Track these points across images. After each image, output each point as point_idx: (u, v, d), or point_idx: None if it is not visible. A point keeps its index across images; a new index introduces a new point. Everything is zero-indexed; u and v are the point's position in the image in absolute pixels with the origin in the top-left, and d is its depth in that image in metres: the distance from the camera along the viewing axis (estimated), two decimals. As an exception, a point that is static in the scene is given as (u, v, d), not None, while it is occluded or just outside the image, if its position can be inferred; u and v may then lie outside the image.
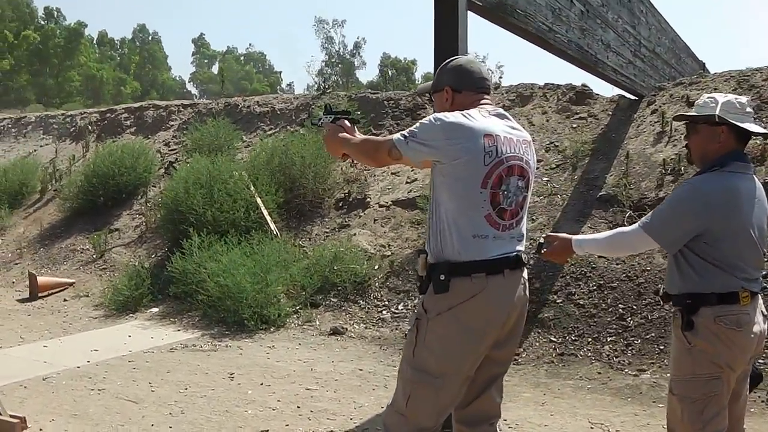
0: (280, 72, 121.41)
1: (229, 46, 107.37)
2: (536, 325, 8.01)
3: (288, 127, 14.03)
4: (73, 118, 17.87)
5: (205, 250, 9.93)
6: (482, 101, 3.41)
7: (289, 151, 11.82)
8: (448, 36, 5.15)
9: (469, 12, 5.42)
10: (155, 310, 9.97)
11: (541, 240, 3.85)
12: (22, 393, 6.56)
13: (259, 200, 11.15)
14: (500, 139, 3.21)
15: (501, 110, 3.42)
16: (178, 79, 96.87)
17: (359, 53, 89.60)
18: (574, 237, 3.75)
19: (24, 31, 67.73)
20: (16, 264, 12.74)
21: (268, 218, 10.96)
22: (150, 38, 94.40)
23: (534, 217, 9.52)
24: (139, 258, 11.61)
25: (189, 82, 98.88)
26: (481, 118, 3.24)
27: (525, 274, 3.39)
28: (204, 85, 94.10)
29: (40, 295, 10.96)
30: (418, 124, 3.24)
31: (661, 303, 6.89)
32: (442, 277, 3.19)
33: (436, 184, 3.27)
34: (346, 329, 8.73)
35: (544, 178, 10.25)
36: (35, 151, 17.29)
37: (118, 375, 7.16)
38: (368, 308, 9.16)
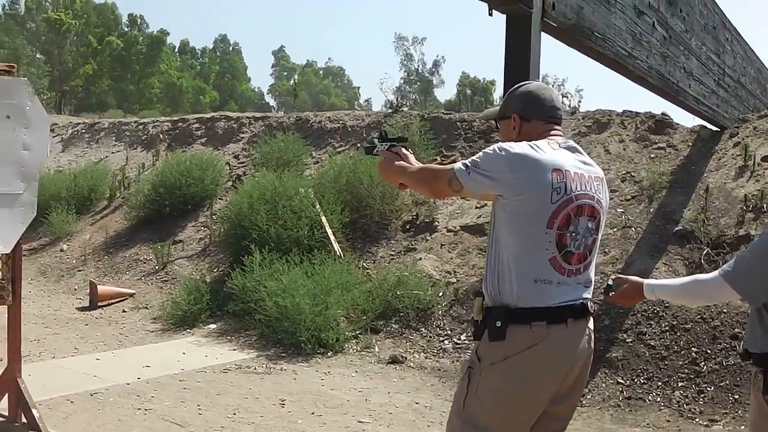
0: (359, 87, 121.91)
1: (308, 60, 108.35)
2: (603, 365, 7.55)
3: (358, 145, 13.77)
4: (146, 126, 17.92)
5: (266, 267, 9.68)
6: (552, 132, 3.13)
7: (357, 170, 11.54)
8: (519, 58, 4.80)
9: (543, 33, 5.07)
10: (213, 326, 9.75)
11: (610, 282, 3.51)
12: (68, 408, 6.37)
13: (324, 219, 10.88)
14: (570, 175, 2.93)
15: (572, 143, 3.12)
16: (256, 90, 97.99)
17: (438, 72, 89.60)
18: (646, 281, 3.40)
19: (108, 37, 69.12)
20: (80, 271, 12.70)
21: (332, 238, 10.68)
22: (231, 49, 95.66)
23: (606, 250, 9.06)
24: (200, 272, 11.43)
25: (267, 93, 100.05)
26: (550, 150, 2.96)
27: (591, 324, 3.09)
28: (282, 97, 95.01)
29: (99, 304, 10.85)
30: (481, 154, 2.96)
31: (741, 361, 6.42)
32: (499, 324, 2.90)
33: (497, 220, 2.99)
34: (406, 358, 8.37)
35: (619, 210, 9.77)
36: (107, 157, 17.36)
37: (168, 394, 6.93)
38: (430, 337, 8.80)
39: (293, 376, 7.78)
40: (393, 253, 10.80)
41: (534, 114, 3.14)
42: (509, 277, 2.91)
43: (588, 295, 3.06)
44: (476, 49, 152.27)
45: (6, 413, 5.43)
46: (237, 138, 16.04)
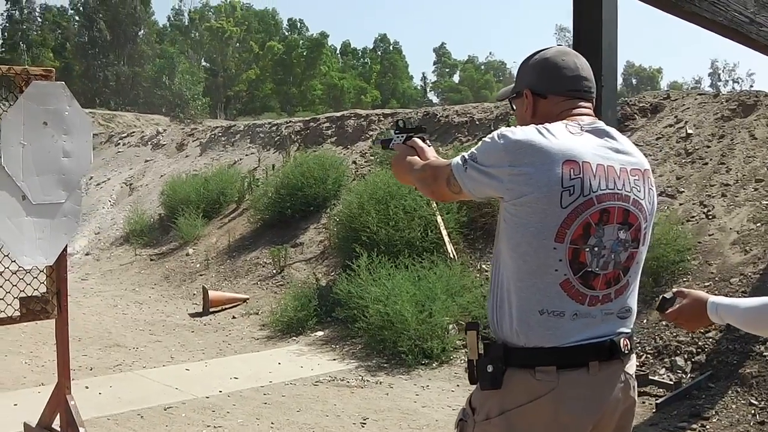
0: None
1: (469, 55, 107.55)
2: (735, 382, 6.61)
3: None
4: (279, 128, 17.86)
5: (373, 271, 9.22)
6: (576, 110, 2.37)
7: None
8: (589, 34, 4.06)
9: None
10: (320, 333, 9.40)
11: (667, 295, 2.62)
12: (136, 424, 6.13)
13: (439, 218, 10.33)
14: (590, 168, 2.19)
15: (602, 125, 2.35)
16: (419, 87, 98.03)
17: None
18: (711, 299, 2.55)
19: (269, 42, 70.99)
20: (201, 275, 12.67)
21: (447, 239, 10.10)
22: (391, 48, 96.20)
23: (747, 248, 8.05)
24: (316, 276, 11.11)
25: (430, 90, 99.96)
26: (566, 135, 2.22)
27: (631, 366, 2.35)
28: (445, 93, 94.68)
29: (211, 310, 10.71)
30: (480, 143, 2.28)
31: None
32: (491, 368, 2.23)
33: (499, 230, 2.31)
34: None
35: (764, 202, 8.72)
36: (240, 160, 17.41)
37: (244, 410, 6.58)
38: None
39: (387, 391, 7.29)
40: (514, 254, 10.12)
41: (551, 87, 2.39)
42: (508, 307, 2.25)
43: (625, 329, 2.33)
44: (642, 37, 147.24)
45: (59, 429, 5.20)
46: (365, 136, 15.68)
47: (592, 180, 2.18)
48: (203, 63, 69.39)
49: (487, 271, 9.78)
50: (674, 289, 2.65)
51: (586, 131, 2.28)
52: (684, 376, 6.85)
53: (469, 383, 2.34)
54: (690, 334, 7.18)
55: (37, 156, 4.82)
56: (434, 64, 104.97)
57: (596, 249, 2.21)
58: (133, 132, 23.00)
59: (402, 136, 2.84)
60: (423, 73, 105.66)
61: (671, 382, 6.69)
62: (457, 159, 2.32)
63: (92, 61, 60.11)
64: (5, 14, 65.98)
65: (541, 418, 2.19)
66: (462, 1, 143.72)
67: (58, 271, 5.07)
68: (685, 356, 7.02)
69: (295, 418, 6.39)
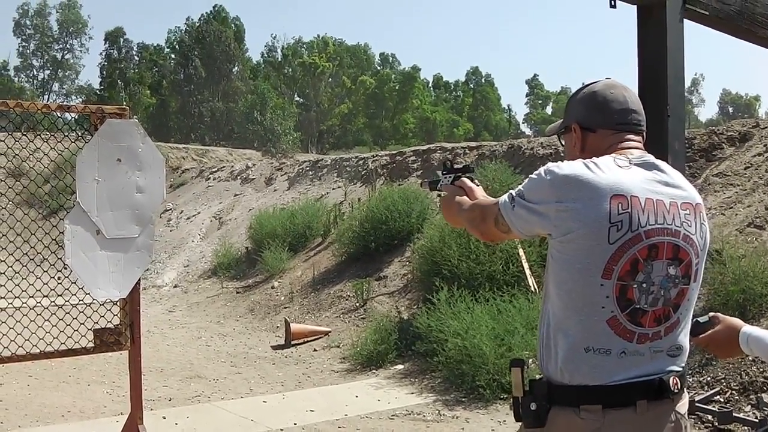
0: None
1: (562, 87, 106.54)
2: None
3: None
4: (365, 161, 18.00)
5: (454, 305, 9.16)
6: (624, 144, 2.33)
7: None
8: (653, 60, 3.97)
9: (697, 24, 4.21)
10: (400, 367, 9.36)
11: (702, 319, 2.51)
12: (208, 456, 6.18)
13: (521, 251, 10.21)
14: (638, 203, 2.14)
15: (651, 158, 2.30)
16: (512, 120, 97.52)
17: (697, 90, 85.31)
18: (744, 328, 2.43)
19: (361, 76, 71.84)
20: (286, 308, 12.78)
21: (528, 272, 9.97)
22: (483, 80, 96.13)
23: None
24: (398, 309, 11.09)
25: (523, 122, 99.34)
26: (614, 169, 2.18)
27: (682, 405, 2.27)
28: (538, 125, 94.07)
29: (293, 342, 10.79)
30: (527, 180, 2.25)
31: None
32: (534, 406, 2.19)
33: (548, 267, 2.28)
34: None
35: None
36: (327, 193, 17.58)
37: (317, 444, 6.59)
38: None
39: (462, 425, 7.20)
40: (597, 287, 9.92)
41: (599, 121, 2.37)
42: (554, 344, 2.21)
43: (675, 367, 2.26)
44: (737, 64, 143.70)
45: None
46: (451, 169, 15.66)
47: (641, 215, 2.14)
48: (296, 98, 70.58)
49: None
50: (710, 314, 2.54)
51: (635, 165, 2.24)
52: (770, 414, 6.57)
53: (515, 420, 2.30)
54: (780, 371, 6.91)
55: (111, 192, 4.94)
56: (526, 96, 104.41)
57: (644, 285, 2.16)
58: (224, 166, 23.50)
59: (450, 177, 2.81)
60: (508, 105, 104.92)
61: (756, 420, 6.42)
62: (505, 197, 2.29)
63: (187, 97, 61.75)
64: (104, 53, 68.52)
65: None
66: (555, 32, 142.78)
67: (131, 304, 5.16)
68: (773, 394, 6.74)
69: (367, 453, 6.37)
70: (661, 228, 2.16)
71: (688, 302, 2.27)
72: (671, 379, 2.21)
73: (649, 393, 2.17)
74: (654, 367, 2.20)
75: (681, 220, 2.21)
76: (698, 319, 2.52)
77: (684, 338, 2.29)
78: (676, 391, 2.21)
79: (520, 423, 2.30)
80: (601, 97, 2.38)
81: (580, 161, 2.21)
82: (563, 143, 2.54)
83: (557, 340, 2.20)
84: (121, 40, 69.16)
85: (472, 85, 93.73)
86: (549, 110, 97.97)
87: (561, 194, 2.14)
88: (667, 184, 2.25)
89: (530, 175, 2.25)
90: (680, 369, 2.26)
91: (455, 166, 2.83)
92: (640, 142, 2.37)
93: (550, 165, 2.21)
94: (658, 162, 2.30)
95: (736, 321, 2.49)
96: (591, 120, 2.38)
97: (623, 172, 2.19)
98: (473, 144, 17.16)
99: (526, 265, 10.04)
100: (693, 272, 2.25)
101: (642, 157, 2.28)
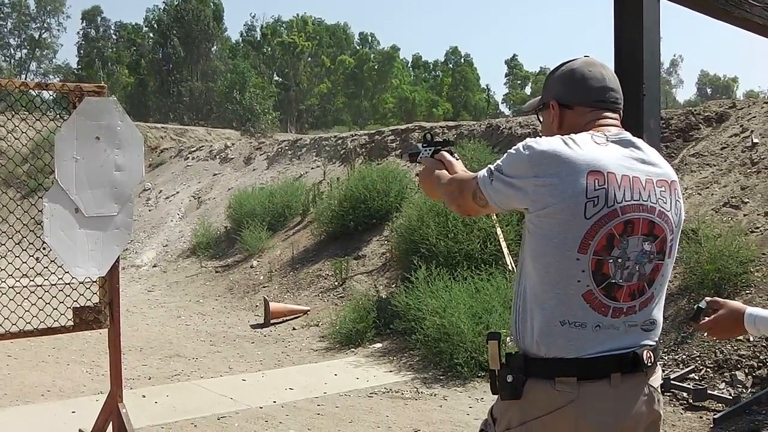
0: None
1: (541, 67, 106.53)
2: (798, 398, 6.45)
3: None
4: (344, 141, 17.99)
5: (432, 283, 9.21)
6: (602, 121, 2.35)
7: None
8: (629, 41, 3.98)
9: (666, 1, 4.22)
10: (378, 345, 9.42)
11: (702, 304, 2.60)
12: (189, 433, 6.22)
13: (498, 230, 10.27)
14: (615, 179, 2.17)
15: (628, 135, 2.32)
16: (491, 100, 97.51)
17: (676, 71, 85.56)
18: (749, 310, 2.50)
19: (340, 56, 71.56)
20: (264, 287, 12.80)
21: (506, 250, 10.02)
22: (462, 60, 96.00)
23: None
24: (377, 288, 11.14)
25: (502, 103, 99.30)
26: (591, 145, 2.21)
27: (656, 379, 2.32)
28: (516, 105, 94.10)
29: (272, 321, 10.81)
30: (505, 155, 2.27)
31: None
32: (510, 378, 2.21)
33: (524, 242, 2.30)
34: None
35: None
36: (306, 173, 17.57)
37: (297, 421, 6.63)
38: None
39: (440, 403, 7.27)
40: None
41: (577, 98, 2.38)
42: (530, 318, 2.24)
43: (649, 341, 2.29)
44: (716, 46, 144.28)
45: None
46: (429, 149, 15.68)
47: (617, 191, 2.17)
48: (275, 77, 70.27)
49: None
50: (708, 299, 2.61)
51: (612, 141, 2.26)
52: (744, 390, 6.67)
53: (492, 393, 2.32)
54: (752, 348, 7.02)
55: (90, 170, 4.94)
56: (506, 76, 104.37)
57: (620, 260, 2.19)
58: (202, 146, 23.41)
59: (430, 150, 2.81)
60: (487, 85, 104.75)
61: (730, 397, 6.52)
62: (483, 171, 2.31)
63: (166, 76, 61.31)
64: (81, 32, 67.90)
65: (561, 429, 2.17)
66: (534, 12, 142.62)
67: (110, 282, 5.17)
68: (746, 370, 6.85)
69: (346, 429, 6.42)
70: (636, 204, 2.19)
71: (662, 278, 2.30)
72: (645, 352, 2.23)
73: (623, 366, 2.20)
74: (628, 340, 2.23)
75: (656, 197, 2.25)
76: (699, 305, 2.59)
77: (658, 313, 2.32)
78: (649, 364, 2.24)
79: (496, 396, 2.33)
80: (579, 75, 2.40)
81: (558, 137, 2.23)
82: (541, 120, 2.54)
83: (533, 313, 2.22)
84: (99, 18, 68.57)
85: (451, 65, 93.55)
86: (528, 90, 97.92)
87: (539, 169, 2.15)
88: (644, 161, 2.27)
89: (509, 150, 2.27)
90: (653, 343, 2.29)
91: (435, 140, 2.84)
92: (617, 119, 2.39)
93: (529, 140, 2.23)
94: (635, 139, 2.33)
95: (738, 304, 2.56)
96: (569, 97, 2.40)
97: (600, 148, 2.21)
98: (452, 123, 17.20)
99: (504, 244, 10.09)
100: (667, 248, 2.29)
101: (619, 135, 2.31)
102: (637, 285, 2.23)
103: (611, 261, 2.17)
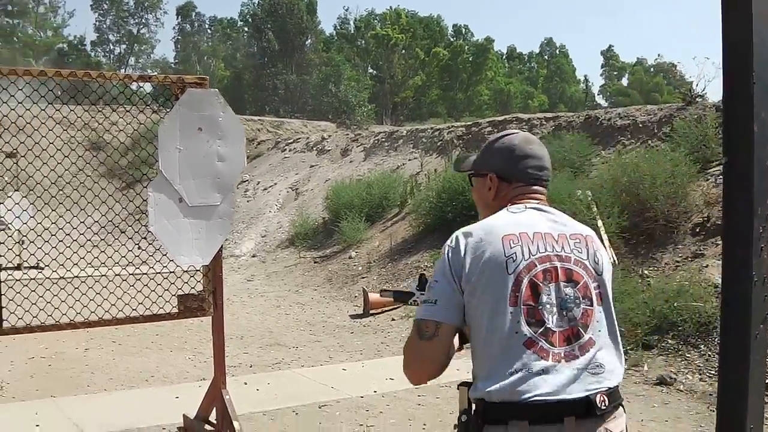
0: (692, 81, 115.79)
1: (638, 58, 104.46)
2: None
3: (649, 142, 12.72)
4: (441, 132, 17.95)
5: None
6: (529, 194, 2.53)
7: (640, 168, 10.55)
8: (737, 17, 3.81)
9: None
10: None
11: None
12: (290, 420, 6.31)
13: (599, 222, 10.07)
14: (526, 237, 2.37)
15: (545, 206, 2.52)
16: (589, 91, 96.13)
17: None
18: None
19: (434, 48, 71.37)
20: (363, 278, 12.87)
21: (607, 243, 9.84)
22: (557, 51, 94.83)
23: None
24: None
25: (598, 94, 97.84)
26: (505, 215, 2.45)
27: (618, 425, 2.33)
28: (613, 97, 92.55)
29: (371, 312, 10.84)
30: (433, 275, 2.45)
31: None
32: (464, 419, 2.36)
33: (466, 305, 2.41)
34: (675, 379, 7.41)
35: None
36: (403, 164, 17.59)
37: (397, 410, 6.63)
38: (708, 355, 7.73)
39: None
40: (679, 259, 9.73)
41: (517, 175, 2.54)
42: (479, 368, 2.34)
43: (601, 386, 2.30)
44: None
45: (215, 422, 5.38)
46: (528, 139, 15.55)
47: (530, 245, 2.35)
48: (369, 70, 70.56)
49: (649, 276, 9.46)
50: None
51: (529, 208, 2.46)
52: None
53: None
54: None
55: (193, 160, 5.01)
56: (602, 68, 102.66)
57: (549, 306, 2.31)
58: (299, 138, 23.69)
59: (422, 294, 2.64)
60: (585, 76, 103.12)
61: None
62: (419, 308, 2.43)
63: (261, 70, 62.21)
64: (177, 28, 69.41)
65: None
66: (630, 2, 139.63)
67: (214, 270, 5.25)
68: None
69: (447, 420, 6.38)
70: (552, 254, 2.36)
71: (598, 323, 2.36)
72: (598, 396, 2.27)
73: (576, 410, 2.24)
74: (579, 386, 2.27)
75: (571, 248, 2.39)
76: None
77: (607, 357, 2.35)
78: (603, 408, 2.26)
79: None
80: (521, 153, 2.55)
81: (477, 224, 2.43)
82: (473, 185, 2.68)
83: (483, 362, 2.31)
84: (193, 14, 70.00)
85: (546, 57, 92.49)
86: (625, 81, 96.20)
87: (463, 249, 2.34)
88: (555, 221, 2.45)
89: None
90: (610, 387, 2.30)
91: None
92: (543, 194, 2.56)
93: (447, 243, 2.41)
94: (548, 207, 2.51)
95: None
96: (509, 173, 2.54)
97: (515, 215, 2.43)
98: (549, 115, 16.96)
99: (605, 237, 9.93)
100: (593, 295, 2.37)
101: (537, 204, 2.49)
102: (571, 330, 2.32)
103: (541, 308, 2.30)
